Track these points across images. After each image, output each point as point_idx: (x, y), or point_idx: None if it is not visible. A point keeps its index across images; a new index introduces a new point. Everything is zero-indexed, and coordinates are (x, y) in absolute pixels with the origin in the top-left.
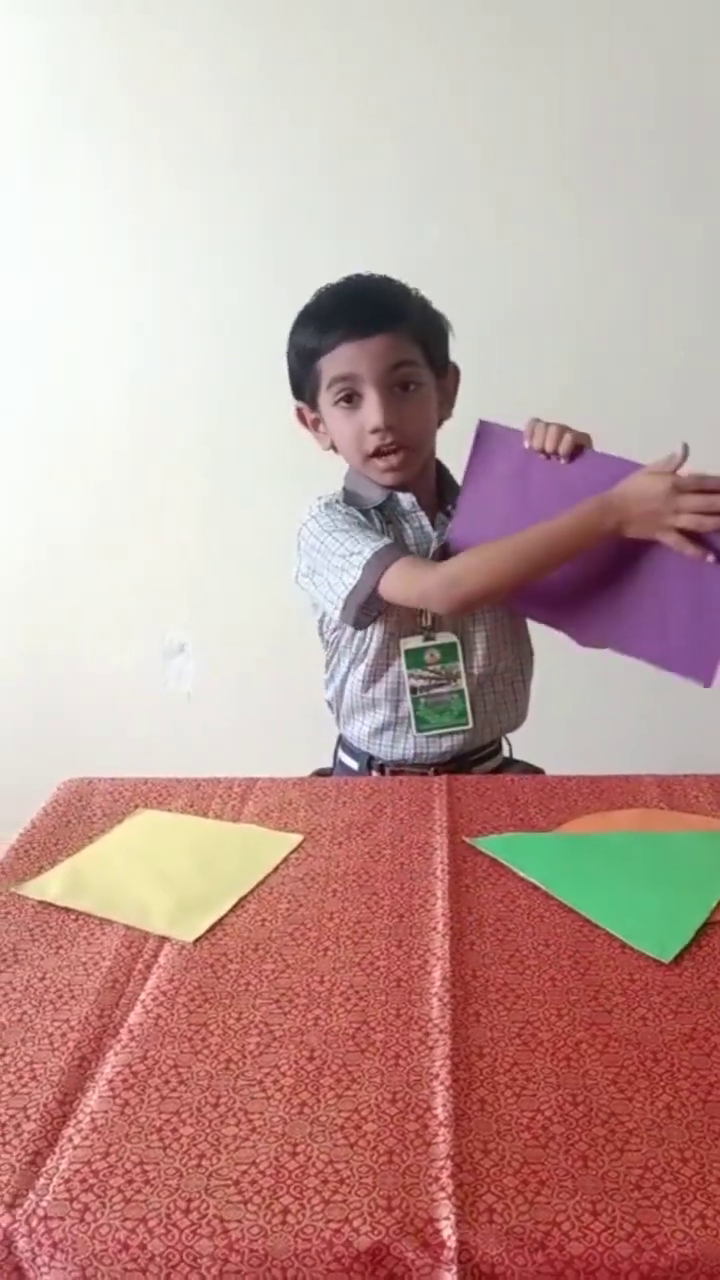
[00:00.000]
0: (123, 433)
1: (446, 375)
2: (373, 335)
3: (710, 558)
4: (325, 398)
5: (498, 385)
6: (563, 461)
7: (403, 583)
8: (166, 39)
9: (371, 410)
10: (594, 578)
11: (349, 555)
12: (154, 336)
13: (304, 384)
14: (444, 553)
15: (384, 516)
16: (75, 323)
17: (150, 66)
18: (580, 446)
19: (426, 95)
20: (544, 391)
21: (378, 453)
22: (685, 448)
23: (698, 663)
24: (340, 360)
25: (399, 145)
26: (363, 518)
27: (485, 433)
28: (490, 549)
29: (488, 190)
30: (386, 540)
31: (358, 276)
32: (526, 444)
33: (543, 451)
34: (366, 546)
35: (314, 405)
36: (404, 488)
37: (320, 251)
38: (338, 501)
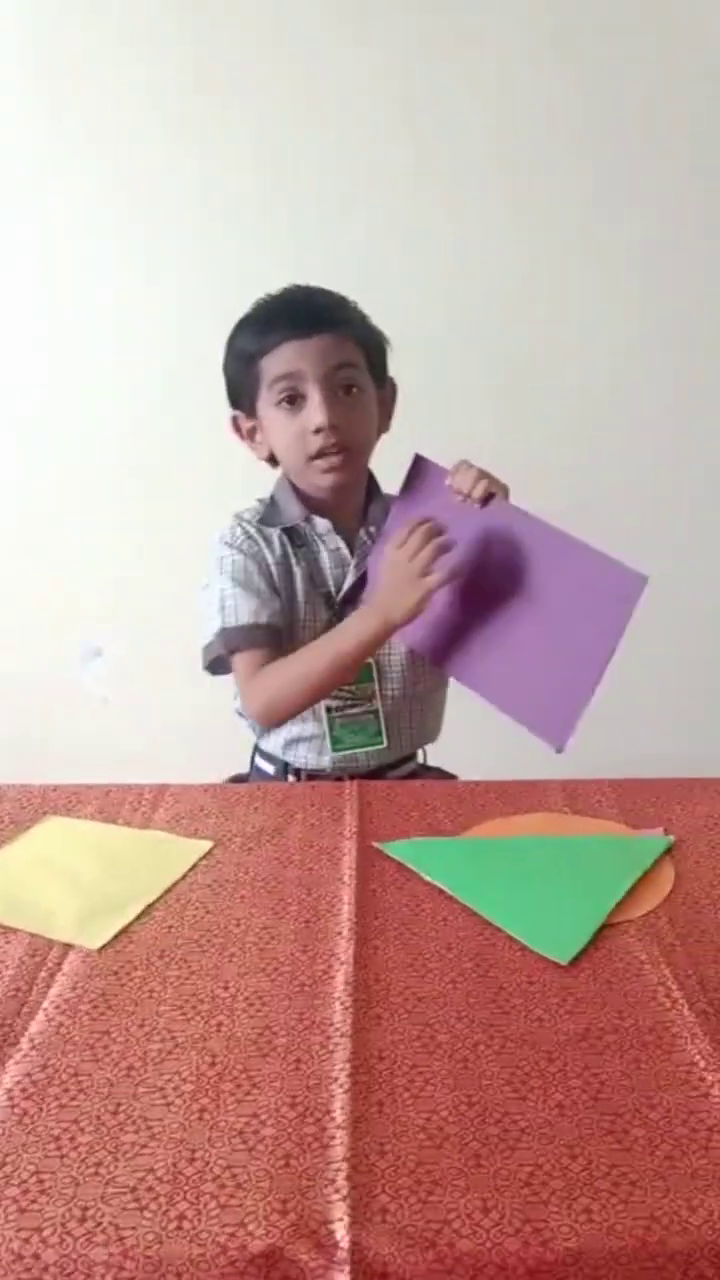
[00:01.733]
0: (44, 433)
1: (385, 389)
2: (315, 334)
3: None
4: (266, 399)
5: (428, 394)
6: (476, 506)
7: (237, 677)
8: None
9: (315, 410)
10: (469, 616)
11: (214, 614)
12: (79, 339)
13: (242, 389)
14: (362, 583)
15: (295, 540)
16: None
17: (69, 64)
18: (492, 495)
19: (354, 99)
20: (472, 398)
21: (320, 453)
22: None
23: (552, 723)
24: (282, 359)
25: (332, 145)
26: (267, 554)
27: (418, 466)
28: (286, 676)
29: (418, 191)
30: (252, 620)
31: (296, 285)
32: (447, 481)
33: (459, 493)
34: (234, 612)
35: (252, 412)
36: (333, 500)
37: (245, 252)
38: (244, 532)
